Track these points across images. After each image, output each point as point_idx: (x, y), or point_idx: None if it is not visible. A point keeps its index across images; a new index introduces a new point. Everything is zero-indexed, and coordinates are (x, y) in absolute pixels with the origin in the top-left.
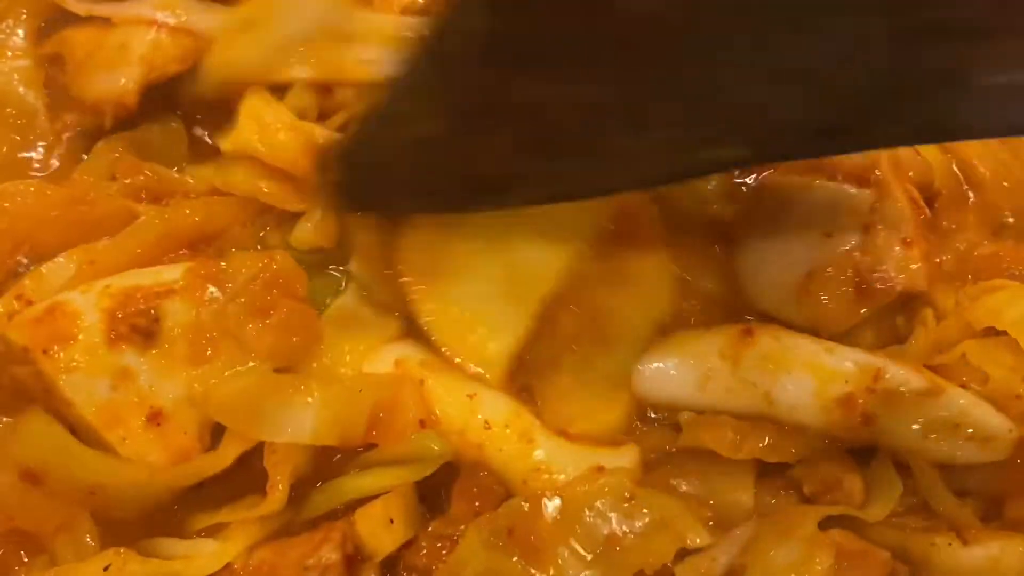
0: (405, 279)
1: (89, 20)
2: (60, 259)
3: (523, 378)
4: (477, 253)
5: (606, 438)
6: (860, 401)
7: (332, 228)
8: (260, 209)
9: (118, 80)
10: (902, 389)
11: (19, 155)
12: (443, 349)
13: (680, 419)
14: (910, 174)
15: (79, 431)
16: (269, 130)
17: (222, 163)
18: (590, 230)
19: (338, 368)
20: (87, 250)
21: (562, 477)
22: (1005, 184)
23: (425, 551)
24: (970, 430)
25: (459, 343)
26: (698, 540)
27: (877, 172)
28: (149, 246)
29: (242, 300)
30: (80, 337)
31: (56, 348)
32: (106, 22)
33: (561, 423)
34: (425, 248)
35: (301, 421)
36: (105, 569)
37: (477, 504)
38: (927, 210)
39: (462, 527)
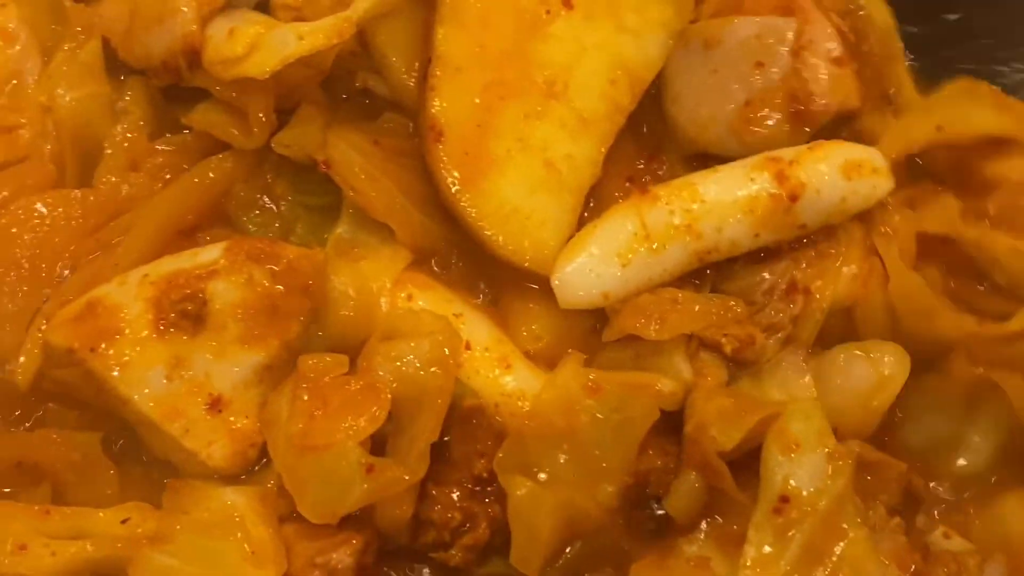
0: (448, 180)
1: None
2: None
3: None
4: (513, 154)
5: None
6: (788, 174)
7: (317, 133)
8: (257, 160)
9: (176, 27)
10: (800, 151)
11: None
12: (500, 241)
13: (607, 309)
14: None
15: (138, 428)
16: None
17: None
18: (616, 117)
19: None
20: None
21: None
22: None
23: (439, 505)
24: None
25: (515, 236)
26: (668, 386)
27: (800, 1)
28: (164, 229)
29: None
30: (127, 330)
31: (104, 345)
32: None
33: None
34: (461, 156)
35: None
36: (123, 522)
37: (476, 445)
38: (851, 35)
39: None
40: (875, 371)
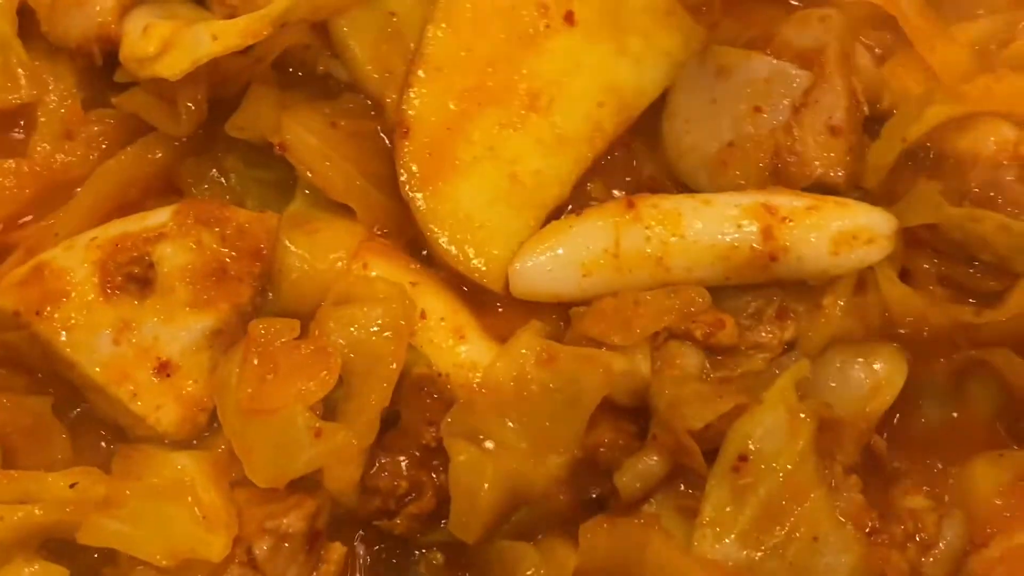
0: (404, 175)
1: None
2: None
3: None
4: (479, 161)
5: None
6: (776, 234)
7: (270, 114)
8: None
9: (93, 14)
10: (797, 209)
11: None
12: (444, 244)
13: (570, 312)
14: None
15: (86, 393)
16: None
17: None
18: (596, 140)
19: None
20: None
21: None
22: None
23: (386, 472)
24: (867, 236)
25: (463, 242)
26: (621, 364)
27: (823, 57)
28: (109, 198)
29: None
30: (73, 294)
31: (49, 308)
32: None
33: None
34: (426, 156)
35: None
36: (72, 486)
37: (425, 414)
38: (866, 107)
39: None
40: (872, 375)
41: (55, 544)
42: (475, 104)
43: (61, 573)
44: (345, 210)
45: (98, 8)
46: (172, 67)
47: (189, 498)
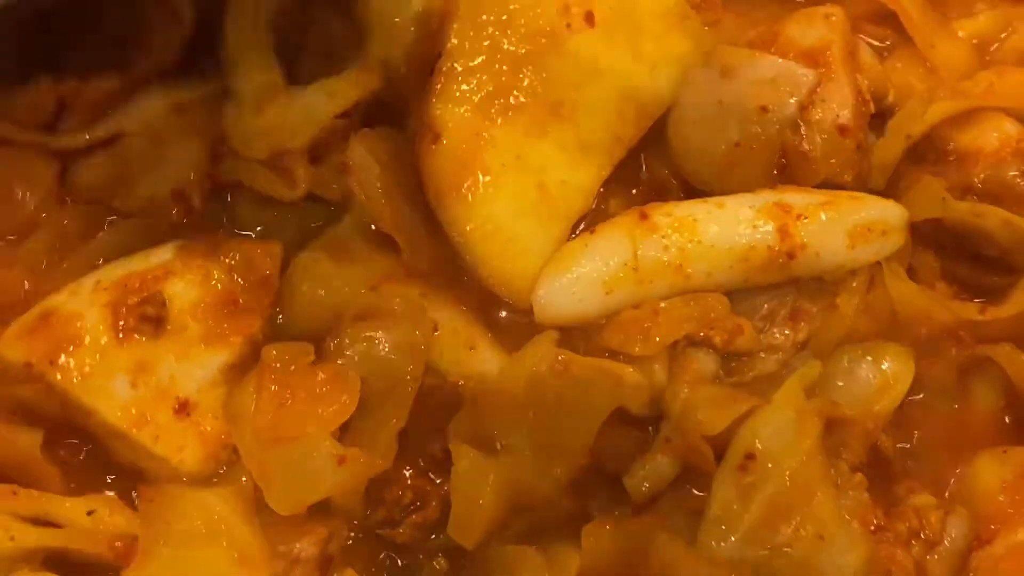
0: (437, 186)
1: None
2: None
3: None
4: (508, 170)
5: None
6: (792, 231)
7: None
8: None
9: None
10: (811, 205)
11: None
12: (477, 259)
13: (593, 326)
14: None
15: (107, 440)
16: None
17: None
18: (616, 149)
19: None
20: None
21: None
22: None
23: (392, 482)
24: (881, 228)
25: (494, 260)
26: (634, 377)
27: (828, 55)
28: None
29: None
30: (86, 339)
31: (63, 356)
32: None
33: None
34: (453, 164)
35: None
36: (89, 513)
37: (434, 423)
38: (872, 105)
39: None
40: (880, 375)
41: (57, 559)
42: (501, 108)
43: None
44: (386, 246)
45: (183, 160)
46: (296, 137)
47: (224, 541)
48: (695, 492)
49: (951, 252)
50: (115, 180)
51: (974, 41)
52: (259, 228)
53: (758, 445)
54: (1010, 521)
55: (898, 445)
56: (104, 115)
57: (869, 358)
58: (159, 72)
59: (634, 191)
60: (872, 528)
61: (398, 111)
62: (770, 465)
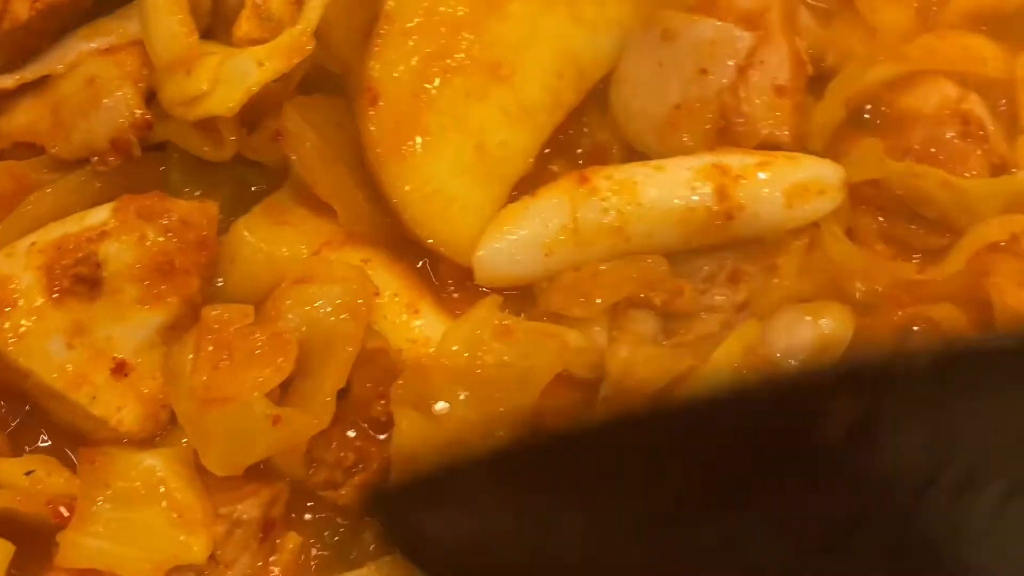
0: (375, 148)
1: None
2: None
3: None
4: (447, 131)
5: None
6: (730, 192)
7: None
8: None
9: (115, 111)
10: (748, 165)
11: None
12: (416, 220)
13: (534, 289)
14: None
15: (42, 401)
16: None
17: None
18: (556, 111)
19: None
20: None
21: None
22: None
23: (334, 444)
24: (818, 188)
25: (434, 220)
26: (576, 340)
27: (767, 17)
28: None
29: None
30: (20, 301)
31: None
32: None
33: None
34: (392, 126)
35: None
36: (27, 474)
37: (377, 387)
38: (810, 67)
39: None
40: (819, 333)
41: None
42: (440, 70)
43: (6, 548)
44: (326, 211)
45: (118, 105)
46: (225, 102)
47: (164, 502)
48: None
49: (891, 214)
50: (49, 124)
51: (915, 5)
52: (193, 190)
53: None
54: None
55: None
56: (29, 57)
57: (808, 317)
58: (80, 11)
59: (576, 154)
60: None
61: (337, 76)
62: None
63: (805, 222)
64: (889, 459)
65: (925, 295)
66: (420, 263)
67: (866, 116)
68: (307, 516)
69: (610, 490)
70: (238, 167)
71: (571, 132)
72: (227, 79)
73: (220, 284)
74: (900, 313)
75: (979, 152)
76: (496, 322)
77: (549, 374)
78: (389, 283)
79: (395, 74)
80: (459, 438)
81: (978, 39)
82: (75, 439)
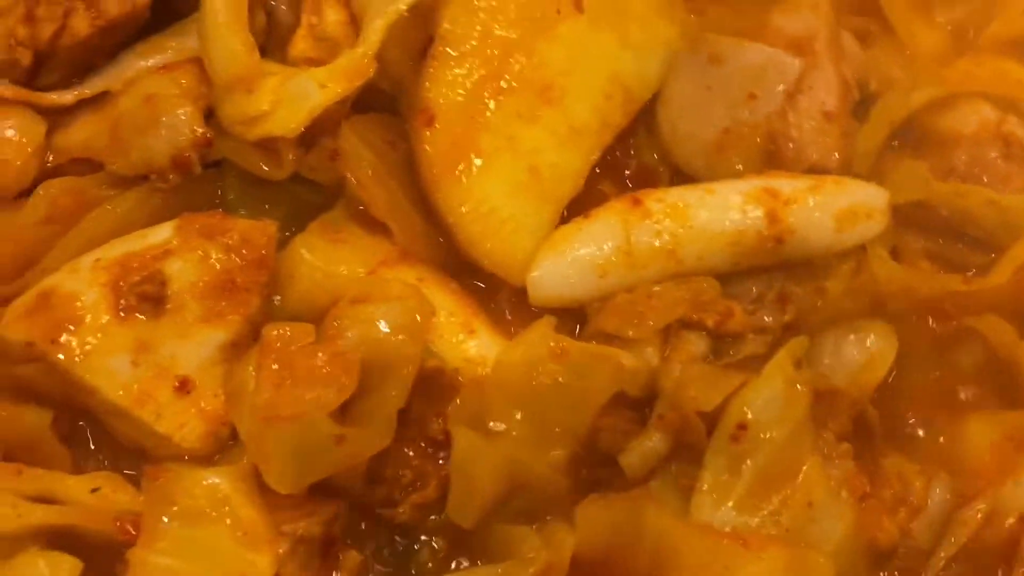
0: (431, 168)
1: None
2: None
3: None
4: (501, 152)
5: None
6: (780, 216)
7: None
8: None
9: (176, 128)
10: (798, 189)
11: None
12: (471, 240)
13: (587, 310)
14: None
15: (106, 418)
16: None
17: None
18: (604, 133)
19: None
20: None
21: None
22: None
23: (393, 462)
24: (865, 211)
25: (488, 240)
26: (631, 361)
27: (814, 43)
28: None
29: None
30: (87, 318)
31: (64, 336)
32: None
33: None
34: (448, 146)
35: None
36: (93, 491)
37: (434, 405)
38: (856, 92)
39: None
40: (864, 352)
41: (64, 538)
42: (494, 92)
43: (74, 564)
44: (379, 226)
45: (178, 122)
46: (287, 123)
47: (228, 520)
48: (686, 469)
49: (936, 234)
50: (107, 141)
51: (951, 29)
52: (250, 208)
53: (749, 415)
54: (994, 480)
55: (882, 415)
56: (87, 74)
57: (853, 336)
58: (137, 27)
59: (624, 175)
60: (859, 496)
61: (390, 95)
62: (761, 434)
63: (853, 245)
64: None
65: (971, 307)
66: (473, 283)
67: (907, 137)
68: (365, 533)
69: None
70: (292, 185)
71: (618, 153)
72: (289, 100)
73: (277, 302)
74: (943, 325)
75: (1022, 172)
76: (551, 343)
77: (605, 394)
78: (444, 302)
79: (452, 96)
80: (516, 457)
81: (1014, 64)
82: (139, 456)
